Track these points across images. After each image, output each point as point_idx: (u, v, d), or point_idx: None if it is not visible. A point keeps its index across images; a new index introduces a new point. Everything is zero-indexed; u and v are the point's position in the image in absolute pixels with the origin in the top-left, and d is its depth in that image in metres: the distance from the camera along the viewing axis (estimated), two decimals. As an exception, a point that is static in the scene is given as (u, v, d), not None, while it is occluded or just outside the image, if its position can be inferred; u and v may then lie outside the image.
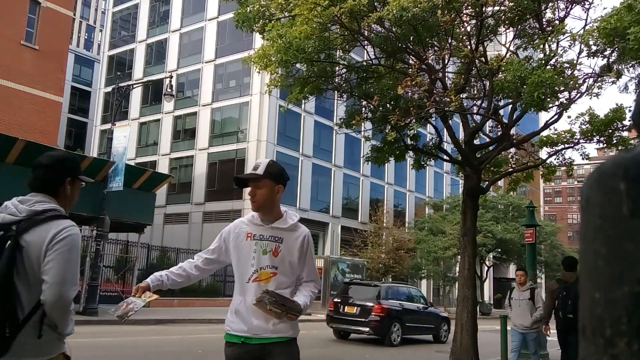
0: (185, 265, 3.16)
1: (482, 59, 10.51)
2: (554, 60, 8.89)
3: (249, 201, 3.07)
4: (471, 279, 10.48)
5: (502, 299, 49.27)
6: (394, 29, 9.85)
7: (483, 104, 11.22)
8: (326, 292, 24.67)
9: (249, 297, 2.87)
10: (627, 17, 7.33)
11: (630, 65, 9.11)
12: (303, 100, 11.74)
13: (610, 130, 9.72)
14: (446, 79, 11.28)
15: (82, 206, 17.91)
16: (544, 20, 9.96)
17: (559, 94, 8.66)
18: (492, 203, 34.07)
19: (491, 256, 39.95)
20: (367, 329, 14.51)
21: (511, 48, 10.70)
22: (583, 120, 9.93)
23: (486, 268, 40.21)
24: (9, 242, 2.35)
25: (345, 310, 14.99)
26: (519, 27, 10.59)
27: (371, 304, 14.61)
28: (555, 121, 10.31)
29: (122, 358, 10.17)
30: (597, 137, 9.96)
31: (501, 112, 12.38)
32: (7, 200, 2.75)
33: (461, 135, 12.64)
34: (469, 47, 10.16)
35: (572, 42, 8.53)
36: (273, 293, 2.77)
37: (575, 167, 12.05)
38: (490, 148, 11.54)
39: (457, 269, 26.24)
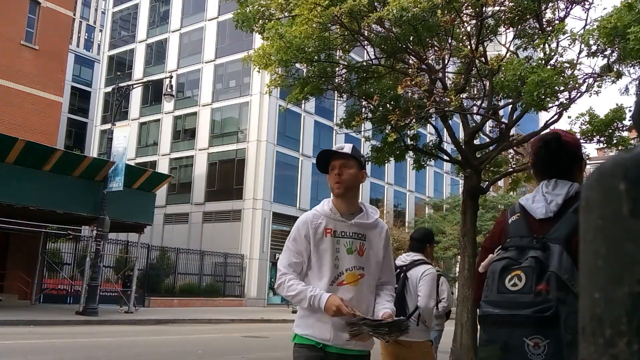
0: (305, 284, 2.69)
1: (482, 59, 10.50)
2: (554, 60, 8.89)
3: (330, 186, 2.72)
4: (471, 279, 10.46)
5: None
6: (394, 29, 9.85)
7: (483, 104, 11.21)
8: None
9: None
10: (627, 17, 7.32)
11: (631, 65, 9.10)
12: (303, 100, 11.74)
13: (610, 130, 9.71)
14: (446, 79, 11.28)
15: (82, 206, 17.93)
16: (544, 20, 9.96)
17: (559, 94, 8.65)
18: (492, 203, 34.05)
19: (491, 256, 39.92)
20: None
21: (511, 48, 10.70)
22: (583, 120, 9.93)
23: (486, 268, 40.19)
24: (402, 274, 4.46)
25: None
26: (519, 27, 10.58)
27: None
28: (555, 121, 10.30)
29: (122, 358, 10.17)
30: (597, 137, 9.95)
31: (501, 112, 12.38)
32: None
33: (461, 135, 12.64)
34: (469, 47, 10.16)
35: (572, 41, 8.53)
36: (368, 322, 2.47)
37: (575, 167, 12.03)
38: (491, 148, 11.53)
39: (457, 269, 26.23)
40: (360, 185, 2.76)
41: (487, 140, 12.23)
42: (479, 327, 2.13)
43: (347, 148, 2.70)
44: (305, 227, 2.71)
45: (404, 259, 4.69)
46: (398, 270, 4.46)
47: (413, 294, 4.38)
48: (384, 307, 2.65)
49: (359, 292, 2.62)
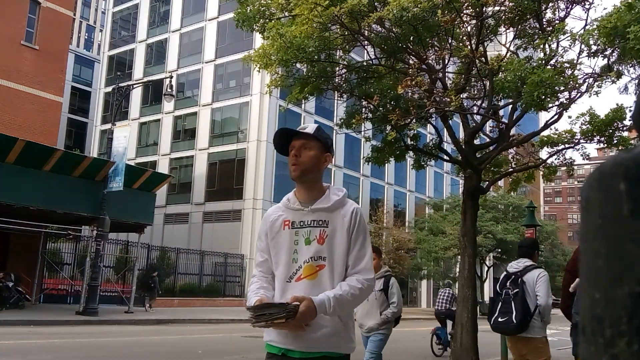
0: (264, 284, 2.47)
1: (482, 59, 10.51)
2: (554, 60, 8.89)
3: (288, 168, 2.45)
4: (471, 279, 10.47)
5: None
6: (394, 29, 9.85)
7: (483, 104, 11.22)
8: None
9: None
10: (627, 16, 7.32)
11: (631, 65, 9.11)
12: (303, 100, 11.74)
13: (610, 130, 9.71)
14: (446, 79, 11.29)
15: (82, 206, 17.93)
16: (544, 20, 9.97)
17: (559, 94, 8.66)
18: (492, 203, 34.07)
19: (491, 256, 39.95)
20: None
21: (511, 48, 10.71)
22: (583, 120, 9.93)
23: (486, 268, 40.21)
24: (519, 279, 5.14)
25: None
26: (519, 27, 10.59)
27: None
28: (556, 121, 10.31)
29: (122, 358, 10.17)
30: (598, 137, 9.95)
31: (501, 112, 12.38)
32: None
33: (461, 135, 12.64)
34: (469, 47, 10.16)
35: (572, 41, 8.53)
36: (256, 307, 2.21)
37: (575, 167, 12.04)
38: (491, 148, 11.53)
39: (457, 269, 26.21)
40: (323, 168, 2.47)
41: (487, 140, 12.23)
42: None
43: (310, 128, 2.47)
44: (264, 223, 2.53)
45: (516, 265, 5.35)
46: (513, 276, 5.26)
47: (532, 296, 5.12)
48: (319, 296, 2.24)
49: (318, 287, 2.29)
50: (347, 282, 2.31)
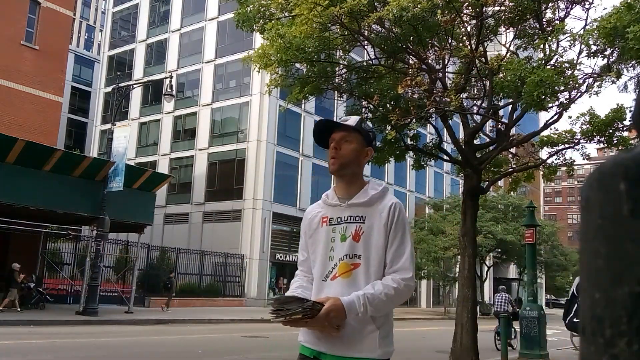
0: (303, 283, 2.41)
1: (482, 59, 10.51)
2: (554, 60, 8.89)
3: (329, 162, 2.33)
4: (471, 279, 10.47)
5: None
6: (394, 29, 9.85)
7: (483, 104, 11.21)
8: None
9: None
10: (626, 16, 7.32)
11: (630, 65, 9.10)
12: (303, 100, 11.74)
13: (610, 130, 9.71)
14: (446, 79, 11.28)
15: (82, 206, 17.93)
16: (544, 20, 9.96)
17: (559, 94, 8.66)
18: (492, 203, 34.09)
19: (491, 256, 39.97)
20: None
21: (511, 48, 10.70)
22: (583, 120, 9.93)
23: (486, 268, 40.23)
24: None
25: None
26: (519, 27, 10.59)
27: None
28: (555, 121, 10.30)
29: (122, 358, 10.17)
30: (598, 137, 9.95)
31: (501, 112, 12.38)
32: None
33: (461, 135, 12.64)
34: (469, 47, 10.16)
35: (572, 42, 8.53)
36: (277, 299, 2.12)
37: (575, 167, 12.04)
38: (491, 148, 11.53)
39: (457, 269, 26.19)
40: (364, 162, 2.39)
41: (487, 140, 12.23)
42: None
43: (352, 120, 2.36)
44: (303, 221, 2.46)
45: None
46: None
47: None
48: (349, 296, 2.13)
49: (353, 286, 2.19)
50: (382, 281, 2.19)
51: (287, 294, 2.32)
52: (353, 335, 2.15)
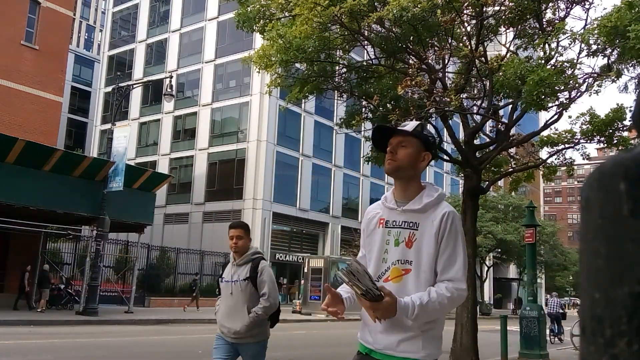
0: None
1: (482, 58, 10.51)
2: (554, 59, 8.89)
3: (385, 164, 2.38)
4: (471, 279, 10.47)
5: (502, 299, 49.37)
6: (394, 29, 9.85)
7: (483, 104, 11.21)
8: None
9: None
10: (627, 16, 7.31)
11: (631, 65, 9.10)
12: (303, 100, 11.75)
13: (610, 130, 9.71)
14: (446, 79, 11.28)
15: (82, 206, 17.93)
16: (544, 20, 9.96)
17: (559, 94, 8.65)
18: (492, 203, 34.07)
19: (491, 256, 39.95)
20: None
21: (511, 48, 10.70)
22: (583, 120, 9.93)
23: (486, 268, 40.21)
24: None
25: None
26: (519, 27, 10.59)
27: None
28: (556, 121, 10.30)
29: (122, 358, 10.16)
30: (598, 137, 9.95)
31: (501, 112, 12.38)
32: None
33: (461, 135, 12.64)
34: (469, 47, 10.16)
35: (572, 41, 8.53)
36: (354, 268, 2.08)
37: (575, 167, 12.04)
38: (491, 148, 11.53)
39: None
40: (422, 167, 2.39)
41: (487, 140, 12.23)
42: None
43: (410, 126, 2.40)
44: (364, 219, 2.52)
45: None
46: None
47: None
48: (406, 298, 2.18)
49: (402, 291, 2.22)
50: (436, 288, 2.22)
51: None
52: (400, 335, 2.23)
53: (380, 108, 10.98)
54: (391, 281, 2.28)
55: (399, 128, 2.43)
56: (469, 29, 10.62)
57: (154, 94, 37.78)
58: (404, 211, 2.34)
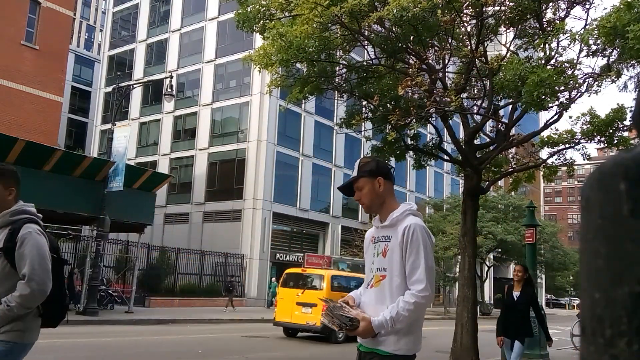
0: (361, 289, 2.98)
1: (482, 58, 10.51)
2: (554, 60, 8.89)
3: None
4: (471, 279, 10.47)
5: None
6: (394, 29, 9.84)
7: (483, 104, 11.21)
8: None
9: (368, 304, 2.77)
10: (626, 16, 7.31)
11: (630, 64, 9.10)
12: (303, 100, 11.74)
13: (611, 130, 9.70)
14: (446, 79, 11.28)
15: (82, 206, 17.92)
16: (544, 20, 9.96)
17: (559, 94, 8.65)
18: (492, 203, 34.07)
19: (491, 256, 39.95)
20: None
21: (511, 48, 10.70)
22: (584, 120, 9.92)
23: (486, 268, 40.21)
24: None
25: None
26: (520, 27, 10.59)
27: None
28: (556, 121, 10.30)
29: (123, 358, 10.17)
30: (598, 137, 9.94)
31: (501, 112, 12.38)
32: None
33: (461, 135, 12.64)
34: (469, 47, 10.16)
35: (572, 41, 8.52)
36: (331, 306, 2.68)
37: (575, 167, 12.04)
38: (491, 148, 11.53)
39: (457, 269, 26.21)
40: (382, 190, 2.80)
41: (487, 140, 12.23)
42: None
43: (355, 170, 2.84)
44: (365, 240, 3.00)
45: None
46: None
47: None
48: (381, 314, 2.62)
49: (380, 294, 2.70)
50: (403, 297, 2.61)
51: (351, 294, 2.92)
52: (379, 334, 2.68)
53: (381, 108, 10.98)
54: (374, 286, 2.75)
55: (348, 181, 2.87)
56: (469, 29, 10.62)
57: (154, 94, 37.78)
58: (382, 227, 2.81)
